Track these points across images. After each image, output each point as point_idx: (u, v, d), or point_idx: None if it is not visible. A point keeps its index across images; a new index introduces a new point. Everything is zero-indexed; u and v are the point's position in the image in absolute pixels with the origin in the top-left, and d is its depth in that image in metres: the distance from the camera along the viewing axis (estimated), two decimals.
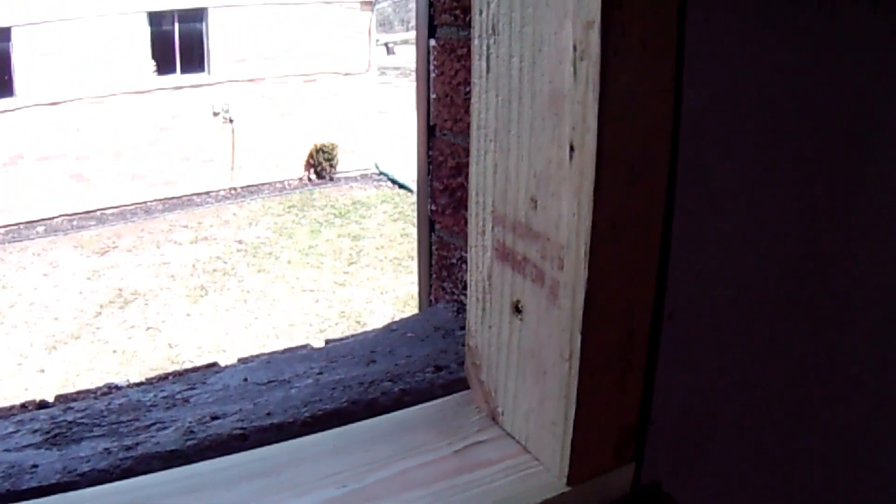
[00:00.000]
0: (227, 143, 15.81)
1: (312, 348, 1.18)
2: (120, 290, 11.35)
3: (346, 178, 16.40)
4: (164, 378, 1.12)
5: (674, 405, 0.85)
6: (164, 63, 15.33)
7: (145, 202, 14.87)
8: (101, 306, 10.88)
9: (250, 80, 16.06)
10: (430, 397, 0.91)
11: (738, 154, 0.82)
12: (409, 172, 16.13)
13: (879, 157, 1.01)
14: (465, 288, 1.12)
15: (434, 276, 1.20)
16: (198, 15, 15.65)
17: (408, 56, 50.47)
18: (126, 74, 14.58)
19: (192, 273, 11.88)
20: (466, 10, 1.03)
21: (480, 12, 0.77)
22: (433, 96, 1.14)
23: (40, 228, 13.69)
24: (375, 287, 11.34)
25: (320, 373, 0.98)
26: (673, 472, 0.89)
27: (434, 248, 1.20)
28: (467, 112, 1.05)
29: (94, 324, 10.45)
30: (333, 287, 11.35)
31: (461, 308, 1.12)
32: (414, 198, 14.65)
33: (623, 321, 0.75)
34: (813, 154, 0.90)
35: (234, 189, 15.69)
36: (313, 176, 16.33)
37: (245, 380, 0.98)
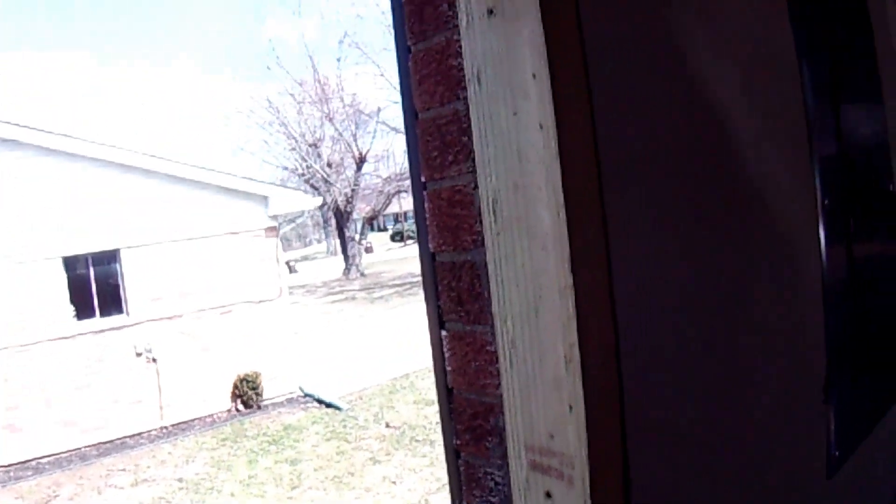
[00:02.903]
0: (154, 383, 16.08)
1: None
2: None
3: (274, 405, 16.73)
4: None
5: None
6: (82, 307, 15.78)
7: (79, 448, 14.92)
8: None
9: (168, 318, 16.51)
10: None
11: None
12: (333, 391, 16.56)
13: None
14: (490, 492, 1.67)
15: (464, 487, 1.75)
16: (111, 257, 16.20)
17: (309, 273, 51.45)
18: (47, 321, 14.95)
19: None
20: (469, 312, 1.63)
21: (502, 335, 1.38)
22: (449, 368, 1.72)
23: None
24: None
25: None
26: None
27: (462, 468, 1.75)
28: (477, 378, 1.64)
29: None
30: None
31: None
32: (342, 415, 15.04)
33: (613, 479, 1.33)
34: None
35: (166, 427, 15.84)
36: (241, 406, 16.62)
37: None
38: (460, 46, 1.48)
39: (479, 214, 1.48)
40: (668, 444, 1.51)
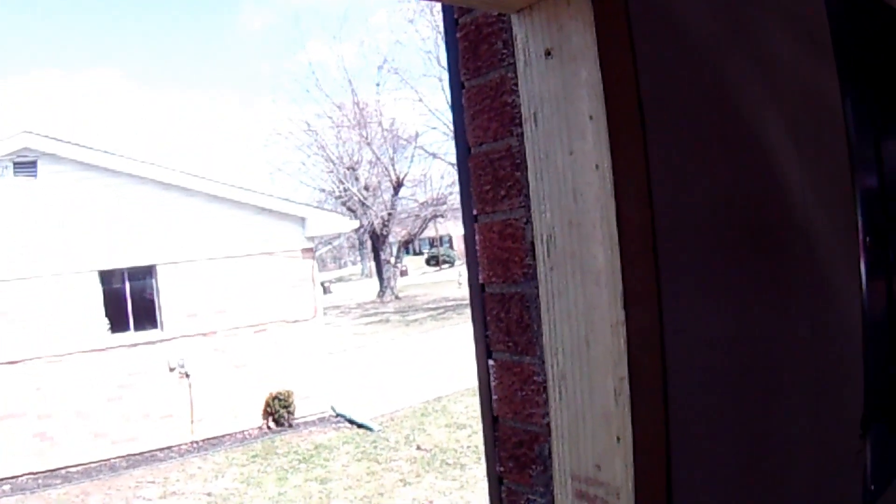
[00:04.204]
0: (185, 397, 16.20)
1: None
2: None
3: (305, 423, 16.81)
4: None
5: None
6: (117, 321, 15.97)
7: (109, 459, 15.07)
8: None
9: (203, 335, 16.63)
10: None
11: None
12: (364, 411, 16.59)
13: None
14: None
15: None
16: (146, 272, 16.38)
17: (343, 294, 51.67)
18: (81, 333, 15.15)
19: None
20: (517, 343, 1.67)
21: (552, 367, 1.43)
22: (495, 396, 1.76)
23: (6, 487, 13.79)
24: None
25: None
26: None
27: (504, 495, 1.78)
28: (524, 407, 1.68)
29: None
30: None
31: None
32: (373, 436, 15.07)
33: None
34: None
35: (196, 442, 15.96)
36: (272, 424, 16.71)
37: None
38: (515, 84, 1.53)
39: (531, 248, 1.52)
40: (711, 476, 1.54)
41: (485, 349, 1.75)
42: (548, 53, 1.41)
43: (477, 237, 1.71)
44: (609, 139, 1.31)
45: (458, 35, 1.71)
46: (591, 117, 1.33)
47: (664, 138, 1.43)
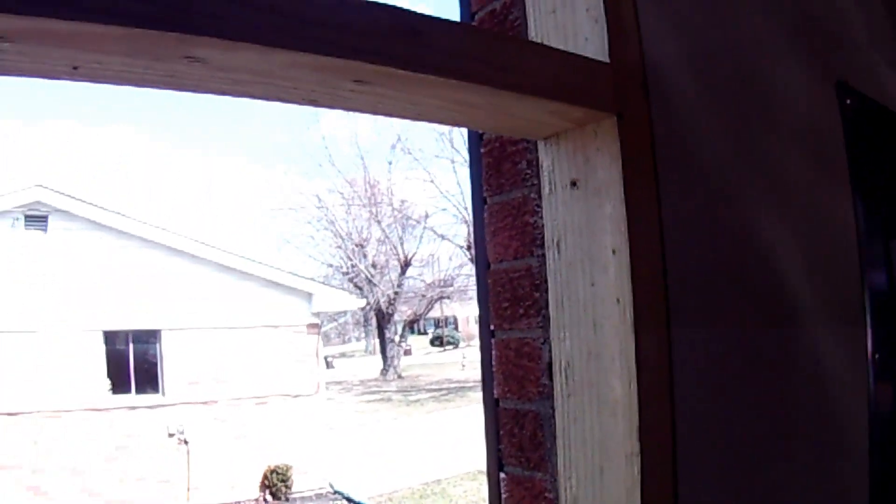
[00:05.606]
0: (183, 464, 16.10)
1: None
2: None
3: (302, 498, 16.65)
4: None
5: None
6: (119, 382, 15.97)
7: None
8: None
9: (204, 403, 16.58)
10: None
11: None
12: (363, 490, 16.42)
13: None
14: None
15: None
16: (151, 336, 16.41)
17: (346, 370, 51.45)
18: (83, 391, 15.10)
19: None
20: (529, 459, 1.69)
21: (565, 491, 1.45)
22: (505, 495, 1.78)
23: None
24: None
25: None
26: None
27: None
28: None
29: None
30: None
31: None
32: None
33: None
34: None
35: None
36: (269, 497, 16.55)
37: None
38: (538, 205, 1.57)
39: (547, 368, 1.55)
40: None
41: (496, 461, 1.76)
42: (573, 184, 1.46)
43: (493, 352, 1.73)
44: (631, 273, 1.35)
45: (482, 150, 1.76)
46: (613, 252, 1.37)
47: (684, 272, 1.48)
